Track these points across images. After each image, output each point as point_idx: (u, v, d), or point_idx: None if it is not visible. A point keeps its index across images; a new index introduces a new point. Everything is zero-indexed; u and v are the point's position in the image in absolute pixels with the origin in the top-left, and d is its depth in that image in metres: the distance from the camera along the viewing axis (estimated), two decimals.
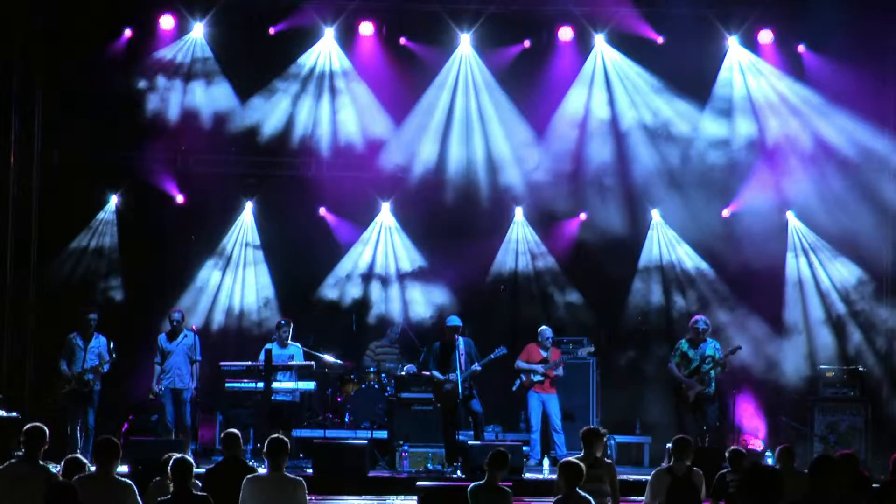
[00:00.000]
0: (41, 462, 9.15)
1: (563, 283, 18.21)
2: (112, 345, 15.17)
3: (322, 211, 18.42)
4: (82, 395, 14.97)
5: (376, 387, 16.63)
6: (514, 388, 16.43)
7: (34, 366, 16.61)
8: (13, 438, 11.85)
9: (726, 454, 11.22)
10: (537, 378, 16.16)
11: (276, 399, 15.39)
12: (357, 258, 18.37)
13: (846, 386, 16.61)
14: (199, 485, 9.79)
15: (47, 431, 9.22)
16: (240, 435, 10.56)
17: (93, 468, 9.36)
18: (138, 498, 9.02)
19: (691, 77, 17.55)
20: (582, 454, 10.61)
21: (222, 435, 10.55)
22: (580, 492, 9.31)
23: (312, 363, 15.85)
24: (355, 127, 17.73)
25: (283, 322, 16.04)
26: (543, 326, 16.60)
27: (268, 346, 15.60)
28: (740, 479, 10.13)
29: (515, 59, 17.78)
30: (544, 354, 16.27)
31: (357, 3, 17.22)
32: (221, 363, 16.01)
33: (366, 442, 14.50)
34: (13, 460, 9.26)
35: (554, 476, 10.67)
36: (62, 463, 9.34)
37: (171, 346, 15.52)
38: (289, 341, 15.85)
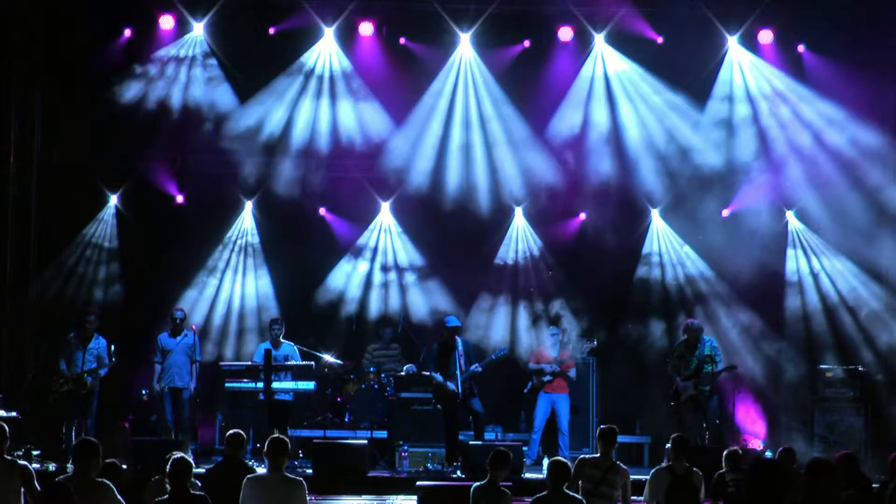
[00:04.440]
0: (7, 457, 9.21)
1: (562, 282, 18.19)
2: (113, 348, 15.14)
3: (322, 211, 18.43)
4: (80, 397, 14.97)
5: (376, 387, 16.65)
6: (525, 391, 16.48)
7: (34, 365, 16.60)
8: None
9: (723, 455, 11.21)
10: (546, 378, 16.19)
11: (273, 399, 15.36)
12: (357, 258, 18.36)
13: (846, 386, 16.60)
14: (199, 484, 9.79)
15: (7, 429, 9.29)
16: (245, 436, 10.57)
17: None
18: (118, 496, 9.04)
19: (691, 77, 17.54)
20: (599, 455, 10.56)
21: (227, 434, 10.56)
22: (567, 492, 9.29)
23: (312, 363, 15.85)
24: (355, 127, 17.72)
25: (276, 321, 16.02)
26: (552, 327, 16.71)
27: (264, 345, 15.57)
28: (744, 475, 10.15)
29: (515, 59, 17.77)
30: (554, 355, 16.33)
31: (357, 2, 17.21)
32: (221, 363, 16.04)
33: (366, 442, 14.52)
34: None
35: None
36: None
37: (172, 345, 15.53)
38: (281, 340, 15.83)
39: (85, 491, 8.79)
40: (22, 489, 9.33)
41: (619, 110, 17.78)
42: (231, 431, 10.51)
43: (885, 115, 17.15)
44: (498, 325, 17.86)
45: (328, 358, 16.46)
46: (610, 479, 10.34)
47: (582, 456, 10.65)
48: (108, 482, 9.07)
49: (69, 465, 13.52)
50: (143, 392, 16.11)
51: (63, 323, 15.95)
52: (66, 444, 14.64)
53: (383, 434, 16.01)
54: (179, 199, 18.05)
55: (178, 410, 15.50)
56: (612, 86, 17.79)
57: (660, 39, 17.43)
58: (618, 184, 17.95)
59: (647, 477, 11.03)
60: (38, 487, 9.32)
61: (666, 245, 18.31)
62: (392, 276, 18.39)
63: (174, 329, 15.61)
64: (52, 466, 13.88)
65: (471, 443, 14.61)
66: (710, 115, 17.67)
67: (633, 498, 10.81)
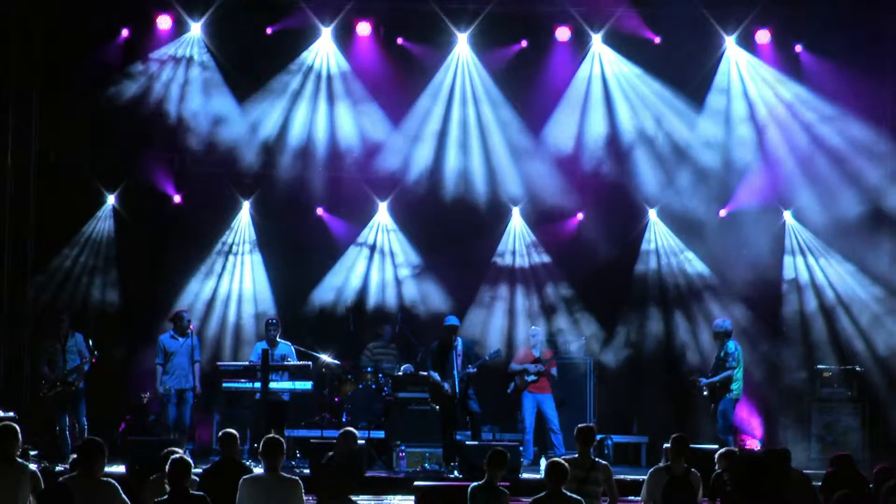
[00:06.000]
0: (19, 460, 9.18)
1: (559, 282, 18.19)
2: (91, 342, 15.16)
3: (319, 211, 18.43)
4: (68, 395, 14.97)
5: (373, 387, 16.64)
6: (508, 391, 16.47)
7: (31, 366, 16.60)
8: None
9: (716, 455, 11.21)
10: (530, 378, 16.19)
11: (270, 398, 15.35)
12: (354, 258, 18.37)
13: (843, 386, 16.61)
14: (197, 482, 9.79)
15: (17, 430, 9.22)
16: (237, 435, 10.57)
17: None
18: (123, 496, 9.02)
19: (688, 77, 17.55)
20: (577, 455, 10.60)
21: (219, 435, 10.58)
22: (566, 492, 9.29)
23: (310, 363, 15.83)
24: (353, 127, 17.73)
25: (271, 321, 16.01)
26: (533, 327, 16.76)
27: (261, 345, 15.54)
28: (735, 474, 10.16)
29: (513, 59, 17.78)
30: (536, 355, 16.34)
31: (354, 2, 17.22)
32: (218, 363, 16.02)
33: (363, 442, 14.50)
34: None
35: None
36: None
37: (175, 347, 15.53)
38: (278, 339, 15.82)
39: (90, 491, 8.78)
40: (30, 496, 9.27)
41: (616, 110, 17.79)
42: (222, 432, 10.53)
43: (883, 115, 17.17)
44: (495, 324, 17.89)
45: (325, 358, 16.46)
46: (593, 476, 10.40)
47: (552, 458, 10.64)
48: (113, 482, 9.03)
49: (59, 466, 13.54)
50: (143, 395, 16.07)
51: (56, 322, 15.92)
52: (61, 444, 14.66)
53: (381, 434, 16.00)
54: (177, 199, 18.04)
55: (180, 411, 15.50)
56: (609, 86, 17.79)
57: (657, 39, 17.45)
58: (615, 183, 17.96)
59: (645, 477, 11.01)
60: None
61: (664, 245, 18.31)
62: (389, 275, 18.39)
63: (180, 330, 15.58)
64: (46, 464, 13.87)
65: (468, 443, 14.61)
66: (708, 114, 17.67)
67: (630, 498, 10.83)
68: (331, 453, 11.26)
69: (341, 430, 11.39)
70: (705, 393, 15.49)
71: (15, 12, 16.65)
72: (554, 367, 16.38)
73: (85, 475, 8.95)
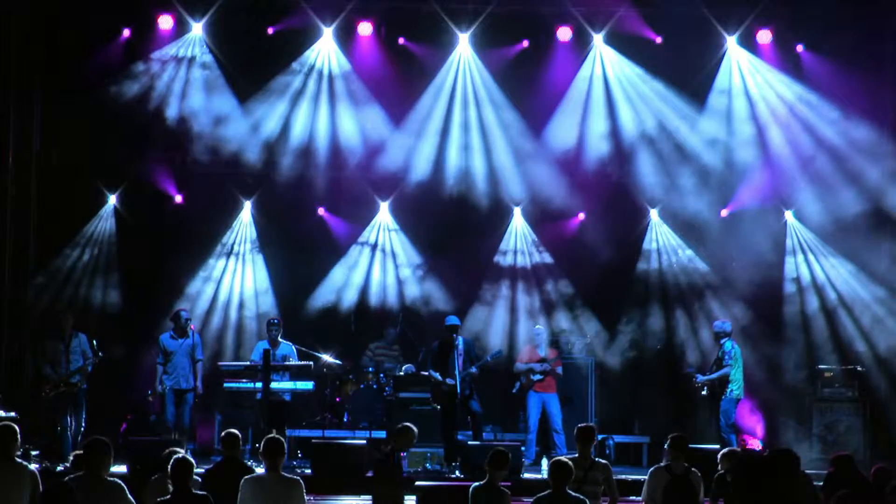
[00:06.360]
0: (18, 460, 9.16)
1: (560, 282, 18.18)
2: (95, 342, 15.14)
3: (321, 211, 18.42)
4: (70, 396, 14.95)
5: (375, 387, 16.65)
6: (514, 391, 16.46)
7: (32, 366, 16.59)
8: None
9: (719, 455, 11.20)
10: (537, 377, 16.19)
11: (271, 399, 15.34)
12: (356, 258, 18.37)
13: (844, 386, 16.60)
14: (199, 482, 9.79)
15: (16, 430, 9.20)
16: (239, 435, 10.57)
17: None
18: (129, 497, 9.00)
19: (690, 77, 17.55)
20: (577, 454, 10.60)
21: (222, 435, 10.58)
22: (570, 492, 9.28)
23: (311, 363, 15.83)
24: (354, 127, 17.73)
25: (273, 321, 16.00)
26: (537, 327, 16.76)
27: (263, 345, 15.53)
28: (735, 475, 10.14)
29: (514, 60, 17.78)
30: (542, 354, 16.34)
31: (355, 2, 17.22)
32: (220, 363, 16.04)
33: (364, 442, 14.50)
34: None
35: None
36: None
37: (175, 347, 15.52)
38: (280, 339, 15.81)
39: (96, 491, 8.75)
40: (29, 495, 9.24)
41: (617, 110, 17.79)
42: (226, 432, 10.53)
43: (884, 115, 17.16)
44: (497, 324, 17.89)
45: (327, 358, 16.45)
46: (592, 476, 10.40)
47: (556, 458, 10.64)
48: (119, 482, 9.01)
49: (59, 466, 13.53)
50: (149, 393, 16.10)
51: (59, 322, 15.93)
52: (62, 444, 14.65)
53: (382, 434, 15.98)
54: (178, 198, 18.04)
55: (179, 411, 15.49)
56: (610, 86, 17.80)
57: (658, 39, 17.45)
58: (617, 183, 17.98)
59: (646, 477, 11.00)
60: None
61: (665, 245, 18.30)
62: (391, 275, 18.39)
63: (179, 330, 15.57)
64: (46, 464, 13.87)
65: (469, 443, 14.60)
66: (709, 114, 17.68)
67: (631, 498, 10.80)
68: (389, 447, 11.22)
69: (401, 425, 11.31)
70: (704, 392, 15.50)
71: (15, 12, 16.64)
72: (559, 366, 16.40)
73: (91, 475, 8.92)
